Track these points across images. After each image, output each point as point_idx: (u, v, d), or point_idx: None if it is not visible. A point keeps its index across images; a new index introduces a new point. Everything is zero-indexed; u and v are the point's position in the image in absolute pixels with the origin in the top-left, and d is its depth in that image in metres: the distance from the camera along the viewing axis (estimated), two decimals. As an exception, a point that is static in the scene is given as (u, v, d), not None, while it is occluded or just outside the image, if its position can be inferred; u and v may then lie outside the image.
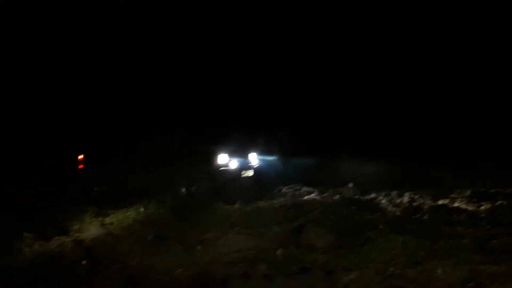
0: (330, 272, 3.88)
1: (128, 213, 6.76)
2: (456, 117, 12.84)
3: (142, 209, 6.92)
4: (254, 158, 9.12)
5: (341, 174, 10.05)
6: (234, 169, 8.36)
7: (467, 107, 12.75)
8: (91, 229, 5.98)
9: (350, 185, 8.57)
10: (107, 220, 6.51)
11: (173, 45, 13.03)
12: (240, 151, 8.77)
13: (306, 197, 8.02)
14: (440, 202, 6.97)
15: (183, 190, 8.05)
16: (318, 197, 7.92)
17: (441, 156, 11.18)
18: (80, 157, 9.06)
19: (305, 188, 8.83)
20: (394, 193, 7.80)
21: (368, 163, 11.06)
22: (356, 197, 7.81)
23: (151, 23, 12.78)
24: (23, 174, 9.45)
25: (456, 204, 6.74)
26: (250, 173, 8.80)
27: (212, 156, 8.18)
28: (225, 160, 8.22)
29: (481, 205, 6.40)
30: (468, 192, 7.35)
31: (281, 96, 14.49)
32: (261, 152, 9.48)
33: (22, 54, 10.31)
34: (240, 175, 8.53)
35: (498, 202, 6.42)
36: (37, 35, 10.53)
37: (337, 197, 7.77)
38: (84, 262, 4.50)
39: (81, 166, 9.02)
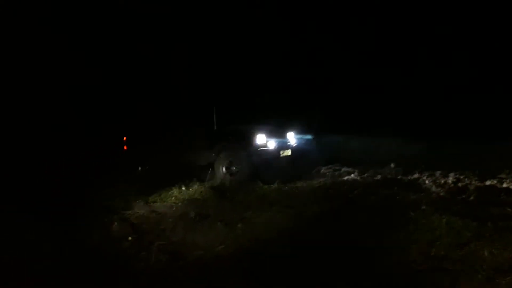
0: (371, 251, 3.84)
1: (170, 192, 6.95)
2: (501, 96, 12.28)
3: (183, 188, 7.09)
4: (292, 138, 9.06)
5: (383, 154, 9.85)
6: (273, 149, 8.28)
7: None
8: (136, 207, 6.22)
9: (392, 165, 8.41)
10: (151, 198, 6.73)
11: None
12: (277, 131, 8.67)
13: (346, 178, 7.93)
14: (488, 182, 6.69)
15: (224, 170, 8.13)
16: (358, 178, 7.81)
17: (488, 136, 10.72)
18: (124, 138, 9.38)
19: (345, 168, 8.73)
20: (438, 173, 7.55)
21: (410, 143, 10.79)
22: (398, 177, 7.63)
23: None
24: (75, 156, 9.96)
25: (505, 185, 6.44)
26: (289, 152, 8.75)
27: (250, 136, 8.13)
28: (264, 140, 8.16)
29: (532, 186, 6.11)
30: (517, 173, 7.02)
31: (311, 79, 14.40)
32: (299, 131, 9.37)
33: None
34: (279, 155, 8.49)
35: (551, 183, 6.10)
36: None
37: (378, 177, 7.64)
38: (130, 238, 4.70)
39: (125, 147, 9.33)
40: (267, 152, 8.16)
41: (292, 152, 8.81)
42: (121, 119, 10.13)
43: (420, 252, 3.68)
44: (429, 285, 3.12)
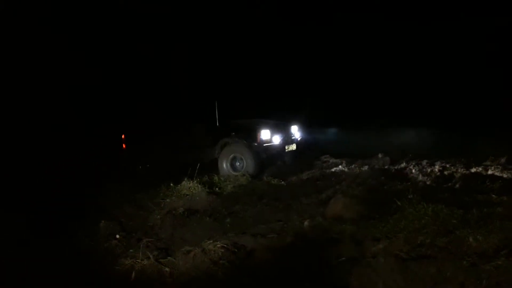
0: (358, 242, 3.86)
1: (158, 189, 6.90)
2: (487, 84, 12.47)
3: (172, 185, 7.04)
4: (296, 132, 8.91)
5: (371, 145, 9.92)
6: (278, 144, 8.10)
7: (498, 74, 12.35)
8: (124, 205, 6.16)
9: (380, 155, 8.47)
10: (139, 196, 6.68)
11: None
12: (282, 125, 8.52)
13: (334, 169, 7.96)
14: (473, 170, 6.78)
15: (228, 166, 8.04)
16: (346, 169, 7.85)
17: (473, 124, 10.88)
18: (122, 136, 9.23)
19: (332, 160, 8.78)
20: (424, 162, 7.63)
21: (398, 133, 10.90)
22: (386, 167, 7.69)
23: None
24: (70, 155, 9.81)
25: (490, 172, 6.53)
26: (294, 147, 8.58)
27: (254, 131, 7.90)
28: (268, 135, 7.95)
29: (517, 172, 6.20)
30: (502, 159, 7.11)
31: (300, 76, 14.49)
32: (302, 124, 9.25)
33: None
34: (285, 150, 8.30)
35: (535, 169, 6.20)
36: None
37: (365, 167, 7.69)
38: (118, 236, 4.66)
39: (124, 146, 9.18)
40: (272, 148, 8.01)
41: (297, 146, 8.66)
42: (120, 117, 9.96)
43: (406, 241, 3.70)
44: (416, 273, 3.14)
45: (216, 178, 7.63)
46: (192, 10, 13.92)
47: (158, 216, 5.38)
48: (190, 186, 6.87)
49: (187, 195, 6.45)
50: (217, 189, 6.89)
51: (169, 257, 3.87)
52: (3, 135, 9.34)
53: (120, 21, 12.67)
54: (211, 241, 4.00)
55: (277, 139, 8.07)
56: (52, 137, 10.59)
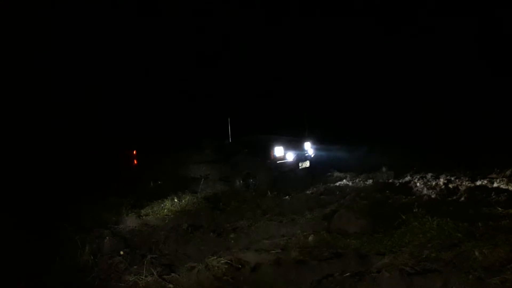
0: (363, 256, 3.84)
1: (162, 204, 6.91)
2: (488, 97, 12.55)
3: (176, 200, 7.05)
4: (309, 148, 8.81)
5: (375, 159, 9.91)
6: (292, 161, 7.97)
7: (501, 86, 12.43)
8: (128, 220, 6.16)
9: (384, 169, 8.45)
10: (143, 211, 6.67)
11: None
12: (295, 141, 8.43)
13: (338, 183, 7.94)
14: (478, 182, 6.74)
15: (240, 183, 8.00)
16: (350, 183, 7.83)
17: (478, 138, 10.89)
18: (134, 152, 9.25)
19: (337, 174, 8.76)
20: (429, 175, 7.60)
21: (402, 147, 10.90)
22: (390, 181, 7.67)
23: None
24: (78, 169, 9.83)
25: (495, 185, 6.49)
26: (307, 164, 8.48)
27: (268, 148, 7.78)
28: (282, 152, 7.83)
29: (523, 185, 6.15)
30: (508, 172, 7.07)
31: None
32: (314, 140, 9.17)
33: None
34: (298, 167, 8.19)
35: (541, 181, 6.15)
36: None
37: (370, 181, 7.66)
38: (122, 252, 4.65)
39: (135, 162, 9.19)
40: (285, 165, 7.91)
41: (310, 163, 8.56)
42: (132, 131, 9.97)
43: (411, 255, 3.67)
44: (421, 288, 3.11)
45: (220, 193, 7.63)
46: (204, 22, 14.13)
47: (162, 232, 5.37)
48: (194, 202, 6.89)
49: (191, 210, 6.45)
50: (221, 204, 6.89)
51: (172, 274, 3.86)
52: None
53: (129, 31, 12.83)
54: (215, 257, 3.99)
55: (290, 156, 7.95)
56: (58, 147, 10.64)
